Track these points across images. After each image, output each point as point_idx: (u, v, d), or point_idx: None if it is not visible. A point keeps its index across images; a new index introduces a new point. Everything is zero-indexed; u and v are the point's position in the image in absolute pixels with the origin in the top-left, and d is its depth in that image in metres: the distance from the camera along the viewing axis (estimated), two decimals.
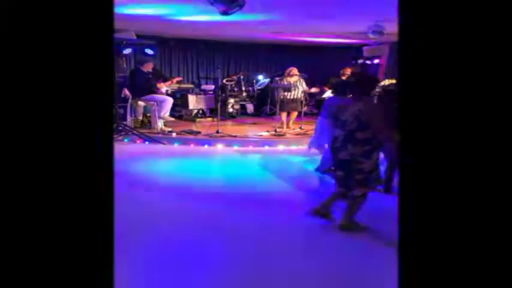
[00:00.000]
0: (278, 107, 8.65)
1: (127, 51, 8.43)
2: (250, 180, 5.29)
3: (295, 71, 8.69)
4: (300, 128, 8.48)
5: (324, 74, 10.09)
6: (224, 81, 10.33)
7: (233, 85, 10.66)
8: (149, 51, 9.00)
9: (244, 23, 7.65)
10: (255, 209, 4.12)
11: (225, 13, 5.40)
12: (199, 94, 10.19)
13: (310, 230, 3.55)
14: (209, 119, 9.88)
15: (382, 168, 4.73)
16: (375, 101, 4.80)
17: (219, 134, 7.73)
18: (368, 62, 10.75)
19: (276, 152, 6.94)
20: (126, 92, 8.56)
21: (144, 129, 8.14)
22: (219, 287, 2.69)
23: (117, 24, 7.36)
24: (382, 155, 4.58)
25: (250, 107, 11.36)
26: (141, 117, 8.72)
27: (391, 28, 7.20)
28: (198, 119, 9.72)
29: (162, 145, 7.26)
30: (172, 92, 9.43)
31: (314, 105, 10.45)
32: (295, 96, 8.57)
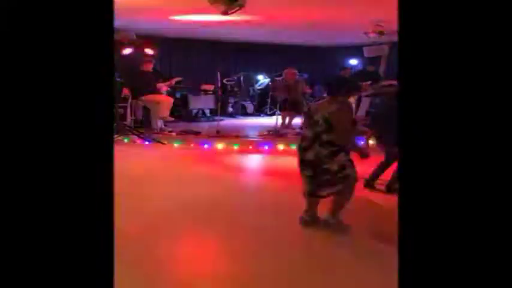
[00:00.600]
0: (278, 107, 8.65)
1: (127, 51, 8.42)
2: (250, 180, 5.29)
3: (294, 71, 8.69)
4: (300, 128, 8.47)
5: (324, 74, 10.10)
6: (224, 81, 10.33)
7: (233, 85, 10.66)
8: (149, 51, 8.99)
9: (244, 23, 7.65)
10: (255, 209, 4.12)
11: (225, 13, 5.41)
12: (199, 94, 10.18)
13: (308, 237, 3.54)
14: (209, 119, 9.89)
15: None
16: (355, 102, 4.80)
17: (219, 134, 7.73)
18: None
19: (276, 152, 6.95)
20: (126, 92, 8.55)
21: (144, 129, 8.14)
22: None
23: (117, 24, 7.35)
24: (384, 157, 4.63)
25: (250, 107, 11.37)
26: (141, 117, 8.72)
27: (391, 28, 7.21)
28: (198, 119, 9.72)
29: (162, 145, 7.26)
30: (172, 92, 9.43)
31: None
32: (295, 97, 8.56)
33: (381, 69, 10.19)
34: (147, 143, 7.39)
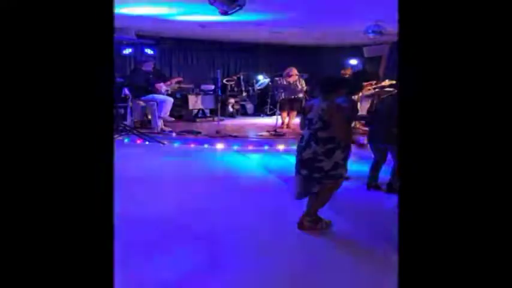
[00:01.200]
0: (278, 107, 8.65)
1: (127, 51, 8.44)
2: (249, 180, 5.30)
3: (294, 71, 8.69)
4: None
5: (324, 74, 10.10)
6: (224, 81, 10.34)
7: (233, 85, 10.66)
8: (149, 51, 9.00)
9: (244, 23, 7.66)
10: (255, 209, 4.12)
11: (225, 13, 5.41)
12: (199, 94, 10.19)
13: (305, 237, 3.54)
14: (209, 119, 9.88)
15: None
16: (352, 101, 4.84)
17: (219, 134, 7.73)
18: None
19: (276, 152, 6.95)
20: (126, 92, 8.56)
21: (144, 129, 8.14)
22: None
23: (117, 24, 7.37)
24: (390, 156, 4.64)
25: (250, 107, 11.37)
26: (141, 117, 8.73)
27: (391, 28, 7.21)
28: (198, 119, 9.72)
29: (162, 145, 7.26)
30: (172, 92, 9.43)
31: None
32: (295, 96, 8.57)
33: (381, 69, 10.20)
34: (147, 143, 7.39)
